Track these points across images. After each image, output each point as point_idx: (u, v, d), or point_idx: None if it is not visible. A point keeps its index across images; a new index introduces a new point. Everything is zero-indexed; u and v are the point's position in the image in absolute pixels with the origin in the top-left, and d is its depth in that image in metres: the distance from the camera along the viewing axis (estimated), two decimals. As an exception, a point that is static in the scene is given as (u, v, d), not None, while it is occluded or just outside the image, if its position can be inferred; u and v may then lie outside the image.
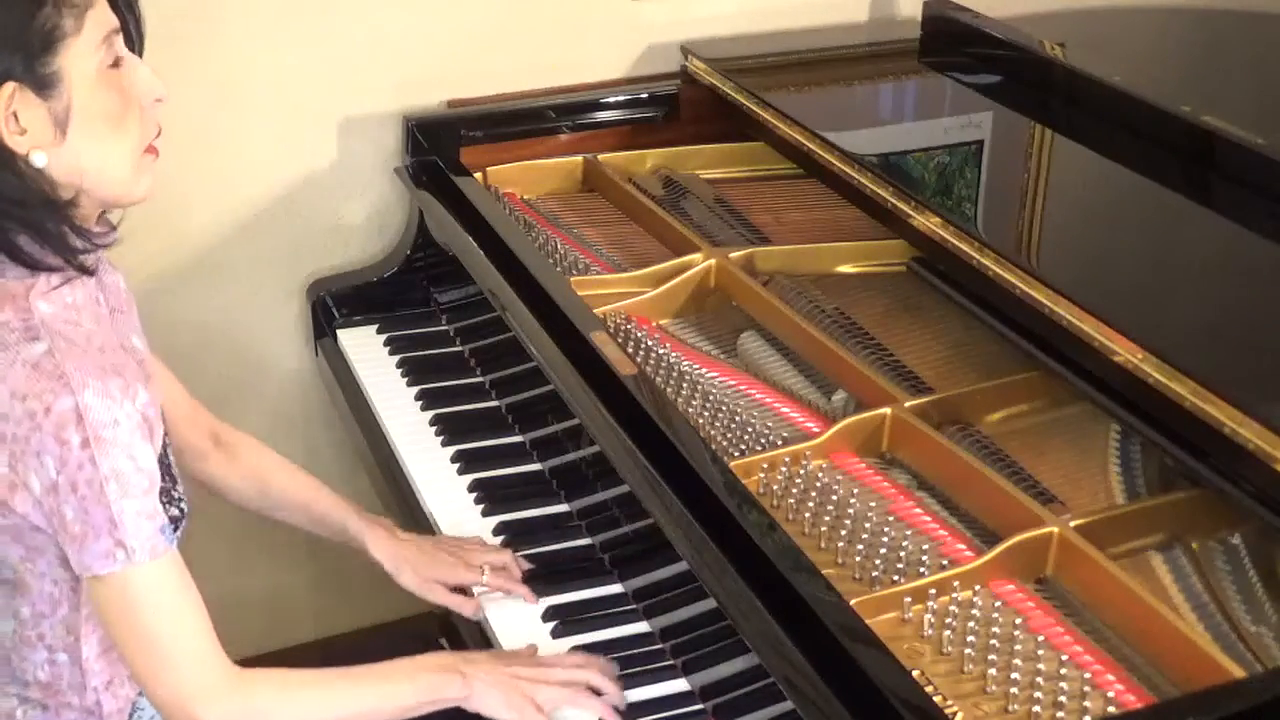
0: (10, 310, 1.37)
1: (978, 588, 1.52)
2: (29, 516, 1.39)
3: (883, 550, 1.59)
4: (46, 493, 1.35)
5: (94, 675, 1.52)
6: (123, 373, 1.38)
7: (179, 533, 1.46)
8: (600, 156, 2.38)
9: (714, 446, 1.71)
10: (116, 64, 1.38)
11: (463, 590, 1.76)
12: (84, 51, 1.34)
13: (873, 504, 1.66)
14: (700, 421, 1.79)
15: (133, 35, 1.42)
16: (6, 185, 1.33)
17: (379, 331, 2.31)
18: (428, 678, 1.54)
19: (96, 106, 1.36)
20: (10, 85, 1.30)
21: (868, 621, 1.41)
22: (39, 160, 1.34)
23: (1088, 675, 1.42)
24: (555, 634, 1.69)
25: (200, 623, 1.43)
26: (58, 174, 1.36)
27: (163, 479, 1.44)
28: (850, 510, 1.64)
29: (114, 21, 1.38)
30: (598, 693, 1.58)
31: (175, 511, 1.49)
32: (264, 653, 1.53)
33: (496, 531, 1.87)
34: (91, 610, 1.48)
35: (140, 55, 1.43)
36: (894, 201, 1.95)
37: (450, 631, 1.83)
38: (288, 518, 1.86)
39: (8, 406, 1.34)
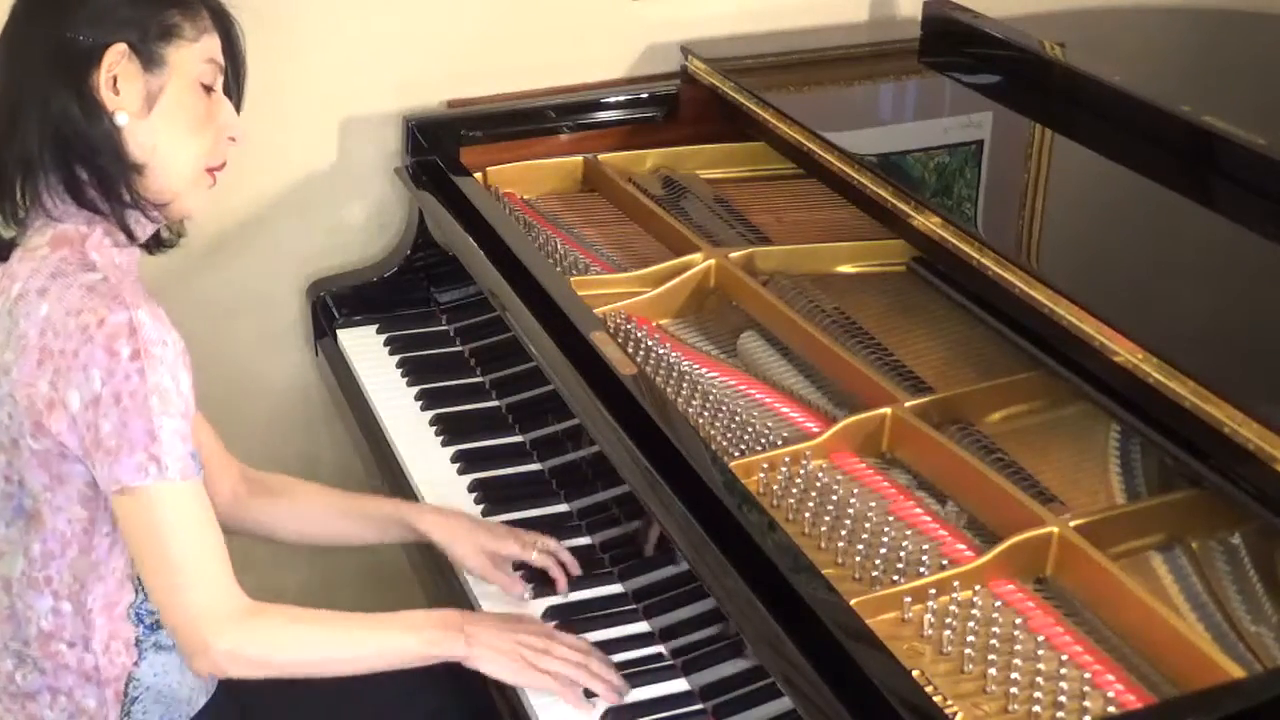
0: (68, 249, 1.49)
1: (978, 588, 1.52)
2: (62, 436, 1.44)
3: (883, 550, 1.59)
4: (86, 407, 1.41)
5: (95, 631, 1.55)
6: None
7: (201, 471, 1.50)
8: (600, 156, 2.38)
9: (714, 446, 1.71)
10: (210, 91, 1.53)
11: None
12: (191, 55, 1.50)
13: (873, 504, 1.66)
14: (700, 421, 1.79)
15: (230, 85, 1.58)
16: (88, 132, 1.47)
17: (379, 331, 2.31)
18: (431, 632, 1.56)
19: (184, 104, 1.51)
20: (122, 46, 1.46)
21: (868, 621, 1.41)
22: (121, 119, 1.48)
23: (1088, 675, 1.42)
24: (555, 634, 1.70)
25: (220, 551, 1.48)
26: (132, 144, 1.49)
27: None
28: (850, 510, 1.64)
29: (221, 59, 1.54)
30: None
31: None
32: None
33: (496, 531, 1.87)
34: (99, 557, 1.52)
35: (238, 108, 1.59)
36: (894, 201, 1.95)
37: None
38: (335, 536, 1.85)
39: (60, 323, 1.42)
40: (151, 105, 1.49)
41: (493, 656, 1.56)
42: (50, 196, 1.50)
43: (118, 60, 1.46)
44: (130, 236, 1.52)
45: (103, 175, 1.48)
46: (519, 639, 1.58)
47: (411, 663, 1.56)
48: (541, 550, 1.76)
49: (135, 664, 1.57)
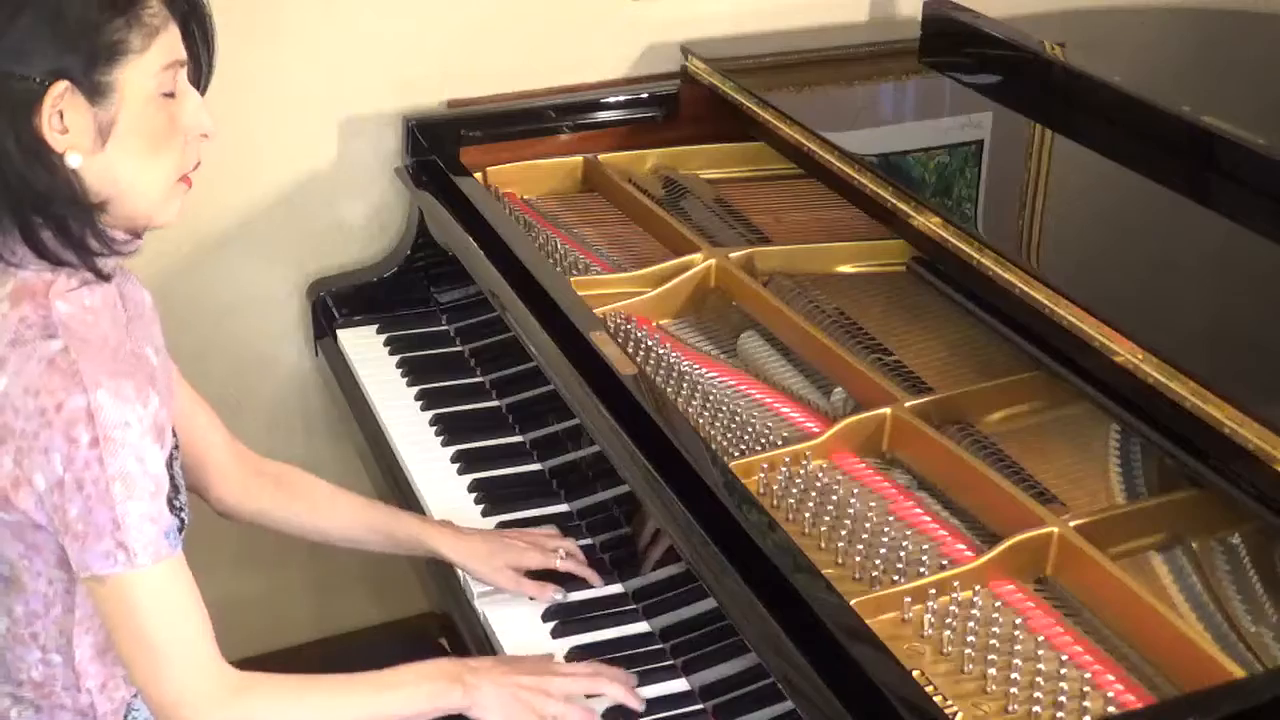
0: (29, 306, 1.38)
1: (978, 588, 1.52)
2: (31, 514, 1.39)
3: (883, 550, 1.59)
4: (51, 490, 1.35)
5: (88, 677, 1.52)
6: (134, 376, 1.38)
7: (180, 539, 1.45)
8: (600, 156, 2.38)
9: (714, 446, 1.71)
10: (171, 94, 1.39)
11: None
12: (143, 72, 1.36)
13: (873, 504, 1.66)
14: (700, 421, 1.79)
15: (201, 69, 1.45)
16: (37, 178, 1.34)
17: (379, 331, 2.31)
18: (428, 686, 1.52)
19: (141, 126, 1.37)
20: (63, 84, 1.32)
21: (868, 621, 1.41)
22: (73, 161, 1.35)
23: (1088, 675, 1.42)
24: (555, 634, 1.69)
25: (200, 629, 1.42)
26: (90, 180, 1.37)
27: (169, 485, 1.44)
28: (850, 510, 1.64)
29: (181, 54, 1.40)
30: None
31: (177, 521, 1.47)
32: (264, 653, 1.52)
33: (496, 531, 1.87)
34: (85, 613, 1.48)
35: (204, 89, 1.46)
36: (894, 201, 1.95)
37: (450, 631, 1.83)
38: (350, 541, 1.83)
39: (20, 401, 1.34)
40: (105, 137, 1.35)
41: (493, 706, 1.52)
42: (6, 243, 1.38)
43: (60, 98, 1.32)
44: (101, 276, 1.42)
45: (61, 223, 1.36)
46: (517, 681, 1.54)
47: None
48: (565, 555, 1.76)
49: (134, 695, 1.55)
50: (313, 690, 1.49)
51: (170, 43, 1.38)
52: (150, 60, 1.36)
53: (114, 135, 1.36)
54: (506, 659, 1.64)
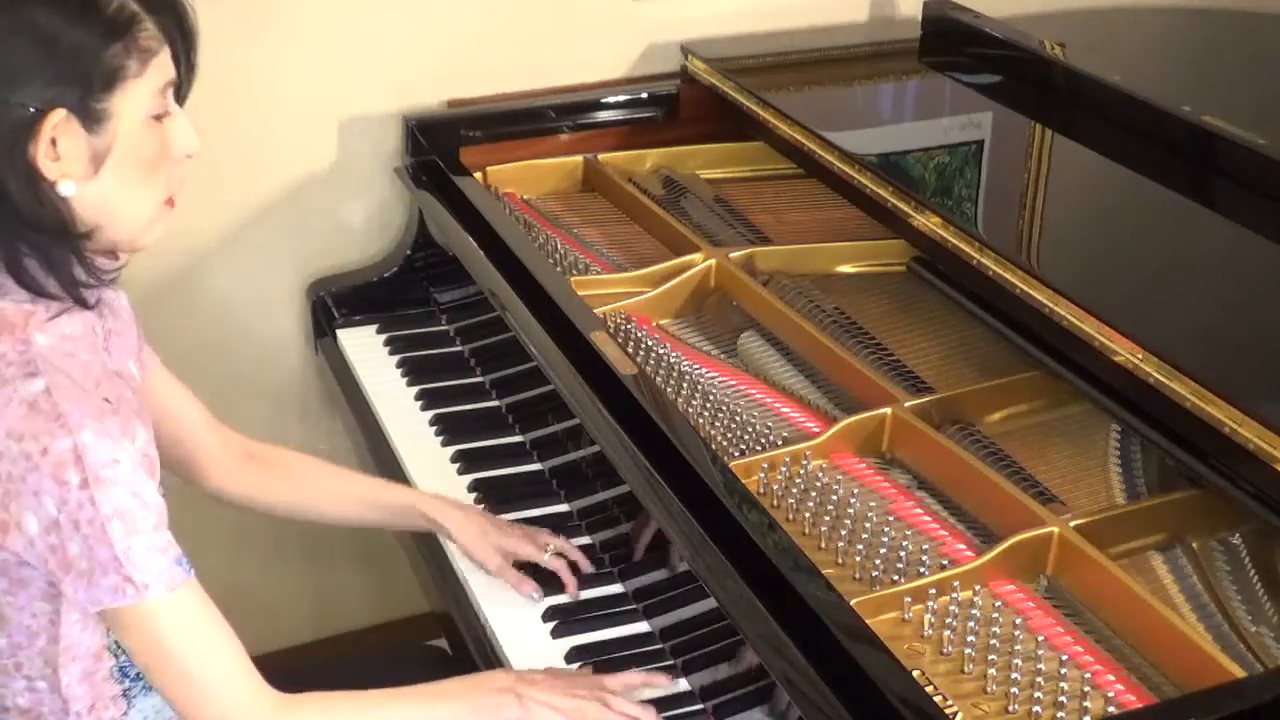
0: (8, 342, 1.34)
1: (978, 588, 1.52)
2: (21, 555, 1.36)
3: (883, 550, 1.59)
4: (47, 531, 1.32)
5: (76, 700, 1.49)
6: (119, 412, 1.36)
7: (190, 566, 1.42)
8: (600, 156, 2.38)
9: (714, 446, 1.71)
10: (162, 116, 1.37)
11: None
12: (139, 96, 1.33)
13: (873, 504, 1.66)
14: (700, 421, 1.79)
15: (182, 88, 1.41)
16: (26, 207, 1.31)
17: (379, 331, 2.31)
18: (481, 699, 1.50)
19: (135, 152, 1.35)
20: (61, 112, 1.29)
21: (868, 621, 1.41)
22: (66, 189, 1.32)
23: (1088, 675, 1.43)
24: (555, 634, 1.69)
25: (233, 649, 1.40)
26: (80, 208, 1.34)
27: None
28: (850, 510, 1.64)
29: (172, 74, 1.37)
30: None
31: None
32: (262, 654, 1.51)
33: (496, 531, 1.87)
34: (69, 642, 1.46)
35: (183, 101, 1.42)
36: (894, 201, 1.95)
37: (450, 631, 1.83)
38: (343, 518, 1.83)
39: (4, 445, 1.31)
40: (99, 165, 1.33)
41: (551, 716, 1.50)
42: None
43: (55, 126, 1.29)
44: (83, 304, 1.38)
45: (46, 253, 1.33)
46: (575, 693, 1.52)
47: None
48: (553, 553, 1.76)
49: (124, 714, 1.53)
50: (359, 705, 1.47)
51: (164, 63, 1.36)
52: (146, 83, 1.33)
53: (108, 163, 1.33)
54: (557, 672, 1.60)
